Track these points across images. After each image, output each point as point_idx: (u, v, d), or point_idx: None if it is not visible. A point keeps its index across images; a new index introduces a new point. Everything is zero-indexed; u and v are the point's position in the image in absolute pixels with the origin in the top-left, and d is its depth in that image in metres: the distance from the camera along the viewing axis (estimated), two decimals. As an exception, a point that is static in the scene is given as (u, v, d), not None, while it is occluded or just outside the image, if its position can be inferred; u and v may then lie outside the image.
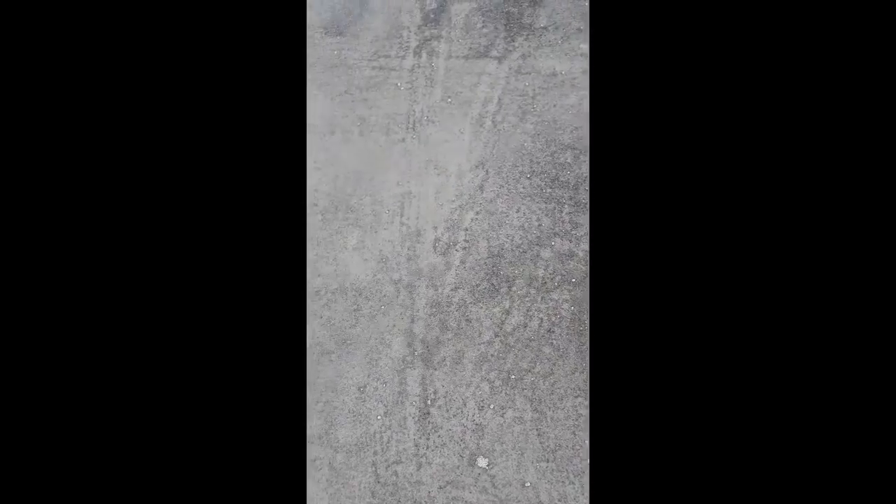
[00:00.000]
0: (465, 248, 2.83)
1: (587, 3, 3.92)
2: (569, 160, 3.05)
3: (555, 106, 3.30)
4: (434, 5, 4.05)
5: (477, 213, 2.95)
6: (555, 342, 2.48)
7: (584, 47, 3.63)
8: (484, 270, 2.74)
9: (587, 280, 2.64)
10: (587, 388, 2.36)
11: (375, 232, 2.97)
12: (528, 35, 3.71)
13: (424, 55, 3.75)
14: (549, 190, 2.96)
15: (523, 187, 3.00)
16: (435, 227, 2.94)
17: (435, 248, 2.86)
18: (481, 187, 3.04)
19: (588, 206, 2.87)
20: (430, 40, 3.82)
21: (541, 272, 2.69)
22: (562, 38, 3.66)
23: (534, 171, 3.05)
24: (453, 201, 3.02)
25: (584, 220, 2.82)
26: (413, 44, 3.83)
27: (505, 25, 3.81)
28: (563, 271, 2.68)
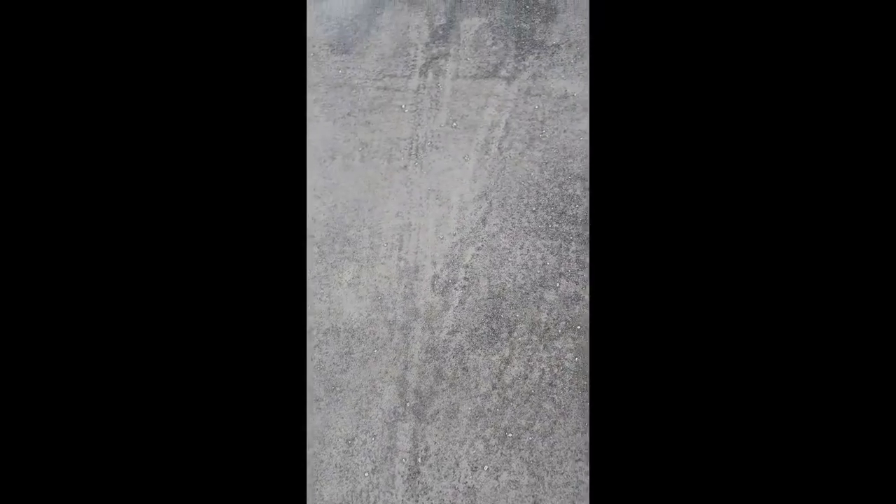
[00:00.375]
0: (464, 287, 2.65)
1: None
2: (577, 192, 2.82)
3: (565, 132, 3.07)
4: (443, 20, 3.86)
5: (478, 249, 2.75)
6: (556, 397, 2.28)
7: (599, 67, 3.39)
8: (484, 313, 2.55)
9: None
10: (588, 451, 2.16)
11: (372, 267, 2.81)
12: (539, 53, 3.48)
13: (431, 74, 3.56)
14: (555, 225, 2.74)
15: (528, 221, 2.79)
16: (434, 263, 2.76)
17: (433, 286, 2.68)
18: (484, 220, 2.85)
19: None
20: (437, 58, 3.63)
21: (544, 317, 2.48)
22: (575, 56, 3.41)
23: (540, 204, 2.83)
24: (454, 235, 2.83)
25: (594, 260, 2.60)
26: (420, 62, 3.65)
27: (516, 42, 3.58)
28: (567, 317, 2.46)
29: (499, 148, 3.10)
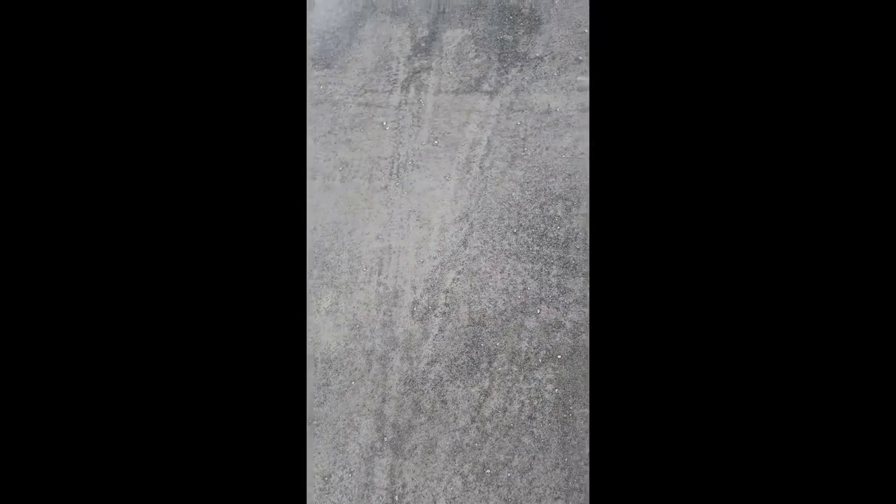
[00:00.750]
0: (444, 314, 2.57)
1: (587, 31, 3.54)
2: (559, 213, 2.73)
3: (547, 149, 2.97)
4: (426, 32, 3.74)
5: (459, 273, 2.67)
6: (535, 431, 2.20)
7: (583, 80, 3.27)
8: (464, 341, 2.48)
9: (574, 357, 2.34)
10: (567, 487, 2.09)
11: (351, 293, 2.73)
12: (522, 66, 3.37)
13: (413, 89, 3.46)
14: (536, 248, 2.65)
15: (509, 244, 2.70)
16: (414, 288, 2.68)
17: (413, 312, 2.60)
18: (465, 242, 2.76)
19: (578, 266, 2.55)
20: (419, 72, 3.52)
21: (524, 345, 2.40)
22: (559, 69, 3.30)
23: (521, 226, 2.74)
24: (434, 258, 2.75)
25: (573, 284, 2.51)
26: (402, 76, 3.54)
27: (499, 55, 3.47)
28: (548, 345, 2.38)
29: (480, 167, 3.01)
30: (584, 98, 3.15)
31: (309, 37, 4.00)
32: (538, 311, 2.47)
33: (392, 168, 3.14)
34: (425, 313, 2.59)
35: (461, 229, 2.81)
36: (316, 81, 3.70)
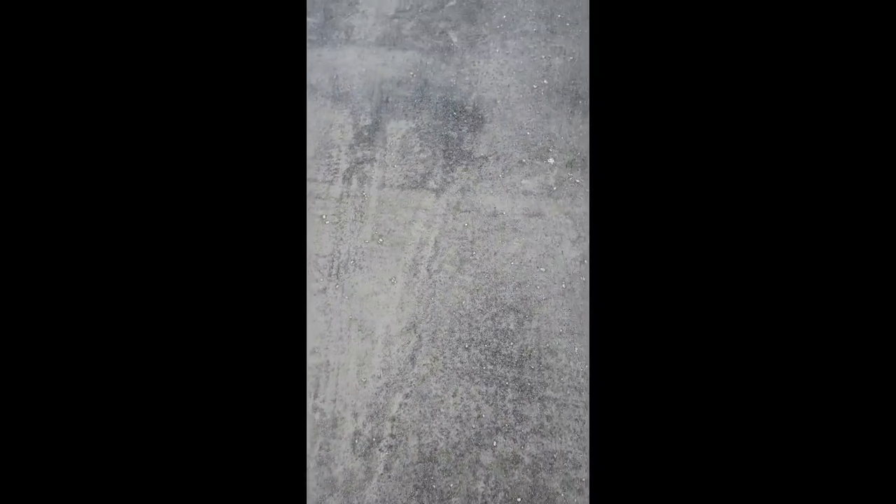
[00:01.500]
0: (390, 447, 2.23)
1: (529, 133, 3.59)
2: (511, 326, 2.57)
3: (495, 254, 2.84)
4: (369, 121, 3.58)
5: (406, 396, 2.37)
6: None
7: (527, 183, 3.25)
8: (413, 482, 2.15)
9: (534, 499, 2.10)
10: None
11: (282, 421, 2.31)
12: (467, 165, 3.29)
13: (355, 181, 3.22)
14: (489, 367, 2.44)
15: (461, 361, 2.46)
16: (355, 415, 2.32)
17: (354, 446, 2.23)
18: (412, 359, 2.48)
19: (534, 390, 2.37)
20: (362, 163, 3.31)
21: (480, 486, 2.13)
22: (503, 170, 3.26)
23: (472, 340, 2.53)
24: (379, 377, 2.43)
25: (530, 410, 2.31)
26: (343, 166, 3.31)
27: (444, 151, 3.38)
28: (506, 485, 2.13)
29: (428, 270, 2.80)
30: (530, 202, 3.11)
31: (242, 114, 3.67)
32: (494, 444, 2.22)
33: (332, 268, 2.83)
34: (369, 447, 2.23)
35: (408, 342, 2.53)
36: (248, 165, 3.35)
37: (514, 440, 2.22)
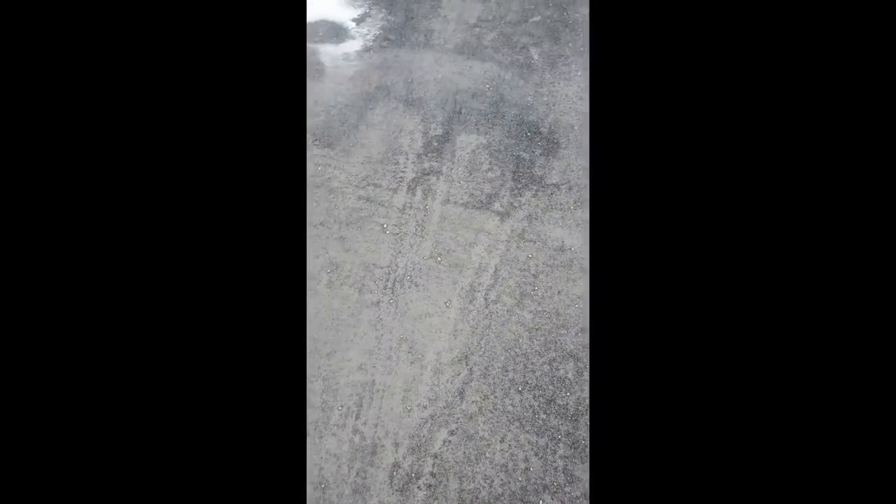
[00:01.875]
0: (430, 487, 2.09)
1: (605, 166, 3.38)
2: (570, 375, 2.38)
3: (559, 293, 2.65)
4: (439, 131, 3.44)
5: (452, 433, 2.22)
6: None
7: (598, 219, 3.05)
8: (449, 530, 2.00)
9: (580, 574, 1.92)
10: None
11: (320, 437, 2.20)
12: (537, 191, 3.11)
13: (420, 193, 3.09)
14: (542, 416, 2.26)
15: (512, 404, 2.30)
16: (396, 445, 2.19)
17: (392, 478, 2.10)
18: (461, 393, 2.33)
19: (588, 448, 2.18)
20: (428, 175, 3.17)
21: (522, 548, 1.97)
22: (575, 202, 3.07)
23: (527, 383, 2.36)
24: (425, 408, 2.28)
25: (582, 472, 2.13)
26: (409, 175, 3.18)
27: (513, 173, 3.21)
28: (549, 552, 1.96)
29: (485, 299, 2.64)
30: (600, 240, 2.91)
31: (313, 107, 3.59)
32: (540, 503, 2.05)
33: (388, 280, 2.71)
34: (406, 482, 2.09)
35: (458, 374, 2.38)
36: (314, 161, 3.26)
37: (562, 502, 2.04)
